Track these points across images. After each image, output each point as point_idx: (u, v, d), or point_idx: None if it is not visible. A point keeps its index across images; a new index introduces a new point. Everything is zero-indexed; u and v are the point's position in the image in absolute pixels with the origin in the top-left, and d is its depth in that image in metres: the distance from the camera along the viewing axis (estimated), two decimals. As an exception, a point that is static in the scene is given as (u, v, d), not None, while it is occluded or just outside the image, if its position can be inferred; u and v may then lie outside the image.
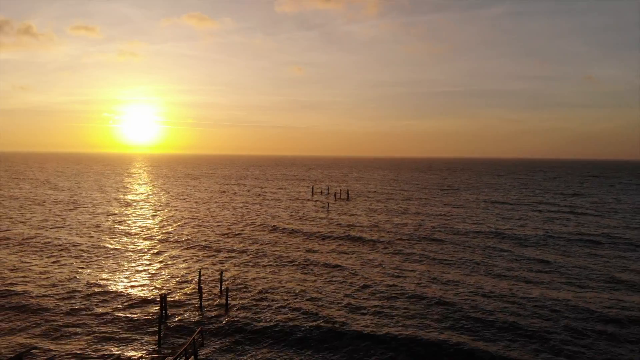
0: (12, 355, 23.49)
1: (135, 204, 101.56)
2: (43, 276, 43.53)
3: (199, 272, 41.19)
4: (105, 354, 27.66)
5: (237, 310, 35.19)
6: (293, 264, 49.35)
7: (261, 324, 32.50)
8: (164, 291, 38.47)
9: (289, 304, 36.60)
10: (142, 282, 42.27)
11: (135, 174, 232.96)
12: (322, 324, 32.30)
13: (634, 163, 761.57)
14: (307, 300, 37.68)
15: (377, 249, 57.01)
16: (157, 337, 29.66)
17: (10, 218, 76.89)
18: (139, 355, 27.59)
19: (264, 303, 36.82)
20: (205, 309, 35.36)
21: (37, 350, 27.41)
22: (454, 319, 33.68)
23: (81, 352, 28.00)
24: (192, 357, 25.67)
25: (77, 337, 30.18)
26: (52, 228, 68.03)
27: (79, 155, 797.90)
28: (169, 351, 27.98)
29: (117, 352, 27.83)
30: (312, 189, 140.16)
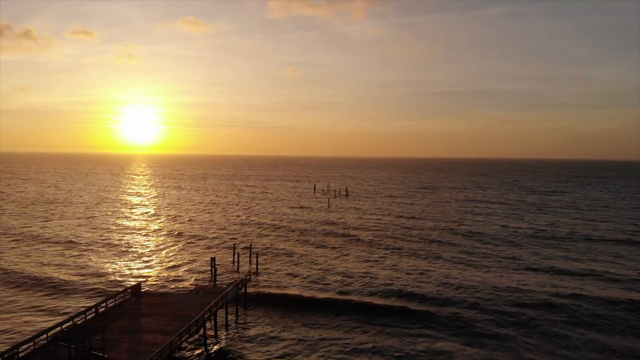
0: (132, 285, 37.59)
1: (154, 203, 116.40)
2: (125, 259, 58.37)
3: (234, 245, 55.98)
4: (184, 285, 42.36)
5: (263, 268, 49.85)
6: (298, 249, 64.06)
7: (279, 278, 47.24)
8: (212, 255, 53.06)
9: (297, 272, 51.47)
10: (195, 252, 57.11)
11: (140, 174, 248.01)
12: (325, 290, 47.06)
13: (633, 163, 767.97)
14: (305, 275, 52.51)
15: (368, 240, 71.82)
16: (213, 281, 44.43)
17: (49, 220, 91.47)
18: (206, 284, 42.22)
19: (280, 270, 51.60)
20: (242, 267, 50.00)
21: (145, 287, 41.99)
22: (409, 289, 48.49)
23: (172, 287, 42.76)
24: (244, 288, 40.06)
25: (165, 280, 44.97)
26: (90, 228, 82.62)
27: (79, 156, 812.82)
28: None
29: (189, 287, 42.45)
30: (314, 187, 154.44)
